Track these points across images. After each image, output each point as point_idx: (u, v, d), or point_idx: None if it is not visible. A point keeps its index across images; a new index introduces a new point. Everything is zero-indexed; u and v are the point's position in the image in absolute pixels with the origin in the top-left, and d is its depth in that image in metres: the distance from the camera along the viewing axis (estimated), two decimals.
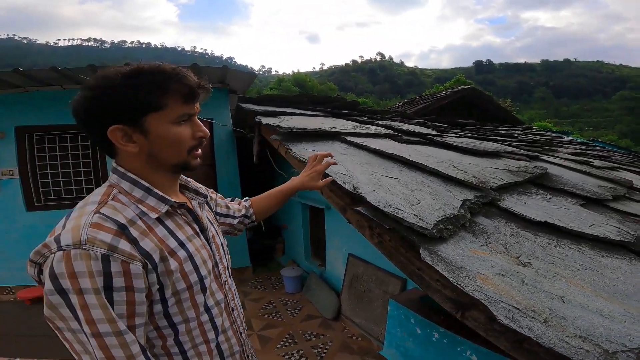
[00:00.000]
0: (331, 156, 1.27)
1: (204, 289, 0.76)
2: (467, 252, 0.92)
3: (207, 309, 0.77)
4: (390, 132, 2.24)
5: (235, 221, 1.10)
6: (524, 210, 1.23)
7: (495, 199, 1.26)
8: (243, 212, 1.13)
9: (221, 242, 0.90)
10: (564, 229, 1.15)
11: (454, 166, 1.52)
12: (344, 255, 3.51)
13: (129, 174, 0.71)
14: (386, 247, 1.13)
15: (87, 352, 0.61)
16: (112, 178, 0.73)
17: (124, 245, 0.62)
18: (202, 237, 0.80)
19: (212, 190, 1.09)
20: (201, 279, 0.75)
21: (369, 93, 70.03)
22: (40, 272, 0.63)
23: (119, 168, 0.72)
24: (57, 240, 0.61)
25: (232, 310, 0.86)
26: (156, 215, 0.71)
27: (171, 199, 0.74)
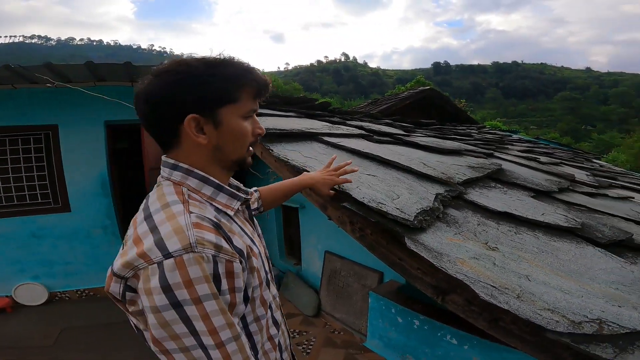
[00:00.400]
0: (349, 167, 1.20)
1: (268, 284, 0.75)
2: (444, 240, 1.04)
3: (270, 304, 0.77)
4: (363, 132, 2.37)
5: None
6: (487, 202, 1.39)
7: (462, 193, 1.41)
8: (256, 204, 1.08)
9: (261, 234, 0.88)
10: (520, 218, 1.32)
11: (424, 163, 1.67)
12: (320, 253, 3.61)
13: (197, 171, 0.67)
14: (368, 240, 1.22)
15: None
16: (175, 175, 0.67)
17: (225, 243, 0.59)
18: (257, 232, 0.80)
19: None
20: (266, 274, 0.74)
21: (334, 93, 70.90)
22: (129, 289, 0.57)
23: (181, 164, 0.67)
24: (161, 246, 0.54)
25: (280, 306, 0.87)
26: (233, 213, 0.68)
27: (242, 195, 0.71)
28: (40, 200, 3.87)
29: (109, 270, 0.59)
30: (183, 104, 0.63)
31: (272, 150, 1.70)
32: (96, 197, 4.03)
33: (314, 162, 1.52)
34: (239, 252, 0.62)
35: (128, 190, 5.09)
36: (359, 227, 1.26)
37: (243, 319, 0.67)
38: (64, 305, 3.88)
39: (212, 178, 0.68)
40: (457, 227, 1.13)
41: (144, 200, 0.67)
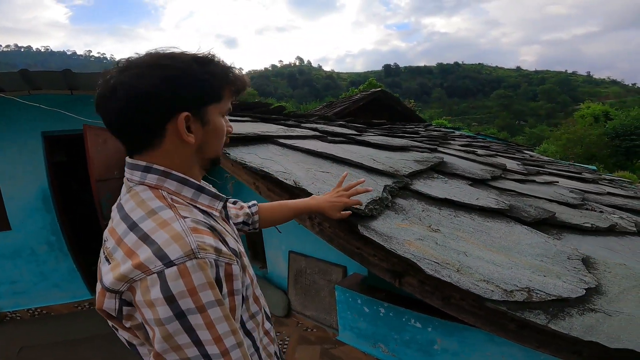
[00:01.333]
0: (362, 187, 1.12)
1: (253, 279, 0.75)
2: (393, 225, 1.15)
3: (259, 300, 0.78)
4: (317, 133, 2.47)
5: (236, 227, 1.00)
6: (430, 190, 1.54)
7: (408, 184, 1.55)
8: (242, 218, 1.03)
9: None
10: (458, 203, 1.49)
11: (374, 159, 1.80)
12: (284, 254, 3.65)
13: (175, 172, 0.63)
14: (326, 233, 1.31)
15: None
16: (149, 178, 0.62)
17: (223, 246, 0.57)
18: (235, 232, 0.78)
19: None
20: (252, 272, 0.74)
21: (289, 97, 70.92)
22: (126, 303, 0.54)
23: (156, 166, 0.62)
24: (161, 255, 0.51)
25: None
26: (217, 214, 0.66)
27: (223, 195, 0.69)
28: None
29: (99, 286, 0.56)
30: (176, 100, 0.60)
31: (229, 154, 1.72)
32: (38, 212, 3.78)
33: (270, 162, 1.58)
34: (235, 253, 0.61)
35: (74, 204, 4.77)
36: (318, 222, 1.34)
37: (239, 318, 0.67)
38: (17, 324, 3.64)
39: (191, 179, 0.65)
40: (404, 214, 1.26)
41: (116, 209, 0.63)
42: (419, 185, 1.60)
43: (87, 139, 3.43)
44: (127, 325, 0.57)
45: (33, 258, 3.78)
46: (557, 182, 2.78)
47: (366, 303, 2.26)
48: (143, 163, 0.62)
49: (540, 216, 1.54)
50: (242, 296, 0.64)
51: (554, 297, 0.84)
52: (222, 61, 0.66)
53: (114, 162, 3.85)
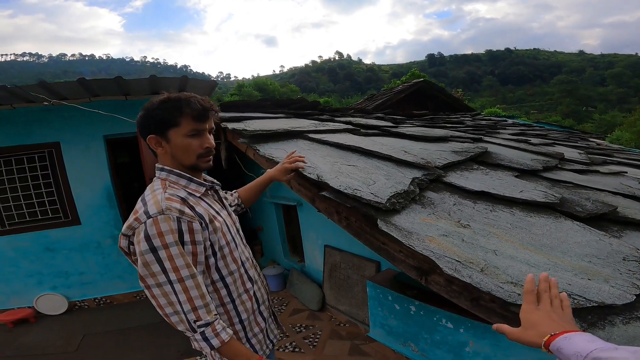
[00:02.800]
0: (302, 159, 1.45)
1: (236, 245, 1.07)
2: (416, 220, 1.09)
3: (242, 263, 1.08)
4: (349, 127, 2.42)
5: (231, 209, 1.33)
6: (465, 183, 1.43)
7: (440, 176, 1.46)
8: (236, 201, 1.42)
9: (236, 219, 1.19)
10: (497, 196, 1.36)
11: (405, 151, 1.71)
12: (320, 248, 3.66)
13: (175, 170, 1.01)
14: (353, 227, 1.28)
15: (171, 302, 0.86)
16: (161, 174, 1.01)
17: (188, 210, 0.91)
18: (226, 209, 1.13)
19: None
20: (232, 238, 1.06)
21: (331, 92, 70.88)
22: (131, 244, 0.90)
23: (165, 167, 1.02)
24: (146, 212, 0.86)
25: (256, 267, 1.19)
26: (199, 194, 1.01)
27: (206, 183, 1.05)
28: (51, 215, 4.04)
29: (120, 233, 0.92)
30: (147, 127, 0.99)
31: (258, 150, 1.76)
32: (103, 209, 4.17)
33: None
34: (200, 215, 0.94)
35: (135, 201, 5.21)
36: (345, 216, 1.31)
37: (218, 271, 1.01)
38: (83, 313, 4.07)
39: (184, 173, 1.02)
40: (432, 208, 1.18)
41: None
42: (454, 178, 1.49)
43: (141, 141, 3.71)
44: (133, 259, 0.92)
45: (99, 251, 4.18)
46: (626, 172, 2.44)
47: (397, 300, 2.18)
48: (159, 166, 1.04)
49: (598, 211, 1.36)
50: (215, 251, 0.99)
51: (594, 304, 0.73)
52: (181, 97, 0.97)
53: None
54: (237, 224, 1.18)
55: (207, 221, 0.95)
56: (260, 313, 1.15)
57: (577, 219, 1.27)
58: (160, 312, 0.88)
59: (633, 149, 5.75)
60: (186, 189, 1.00)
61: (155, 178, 1.03)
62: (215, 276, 1.00)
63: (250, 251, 1.22)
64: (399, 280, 2.29)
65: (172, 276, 0.84)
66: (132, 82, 3.25)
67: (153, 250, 0.83)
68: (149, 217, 0.85)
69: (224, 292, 1.02)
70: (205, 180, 1.13)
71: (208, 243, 0.95)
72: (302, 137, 1.99)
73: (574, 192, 1.63)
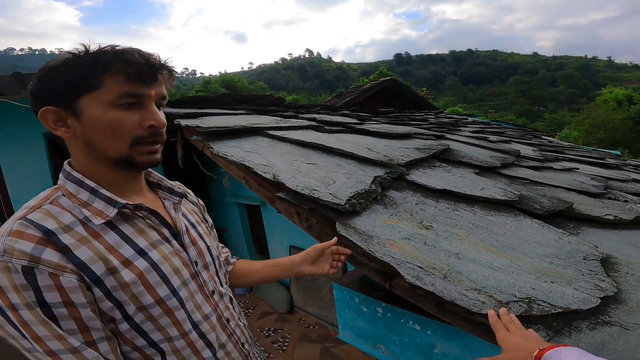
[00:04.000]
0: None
1: (182, 303, 0.68)
2: (378, 222, 1.02)
3: (195, 325, 0.70)
4: (313, 123, 2.33)
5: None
6: (427, 181, 1.39)
7: (403, 174, 1.41)
8: (223, 256, 1.00)
9: (207, 246, 0.79)
10: (459, 194, 1.33)
11: (369, 149, 1.65)
12: (285, 248, 3.56)
13: (74, 173, 0.64)
14: (314, 230, 1.19)
15: None
16: (60, 179, 0.66)
17: (49, 255, 0.55)
18: (173, 242, 0.71)
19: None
20: (174, 292, 0.66)
21: (300, 90, 70.69)
22: None
23: (66, 167, 0.66)
24: None
25: (228, 321, 0.78)
26: (101, 221, 0.62)
27: (121, 200, 0.64)
28: None
29: None
30: (40, 98, 0.62)
31: (212, 148, 1.62)
32: None
33: (254, 155, 1.47)
34: (79, 264, 0.57)
35: None
36: (305, 218, 1.22)
37: (146, 336, 0.64)
38: None
39: (87, 181, 0.64)
40: (394, 208, 1.12)
41: None
42: (416, 176, 1.45)
43: None
44: None
45: None
46: (578, 168, 2.56)
47: (364, 302, 2.13)
48: (64, 163, 0.67)
49: (555, 208, 1.37)
50: (125, 315, 0.62)
51: (559, 310, 0.70)
52: (105, 49, 0.61)
53: None
54: (209, 256, 0.79)
55: (103, 272, 0.59)
56: None
57: (536, 217, 1.27)
58: None
59: (583, 146, 6.17)
60: (84, 210, 0.62)
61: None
62: (141, 342, 0.64)
63: (227, 295, 0.83)
64: (366, 282, 2.24)
65: (38, 347, 0.54)
66: None
67: (1, 310, 0.53)
68: None
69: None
70: (158, 182, 0.78)
71: (108, 305, 0.59)
72: (261, 133, 1.88)
73: (530, 188, 1.65)
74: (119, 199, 0.64)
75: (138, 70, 0.61)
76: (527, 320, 0.69)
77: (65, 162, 0.66)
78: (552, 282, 0.81)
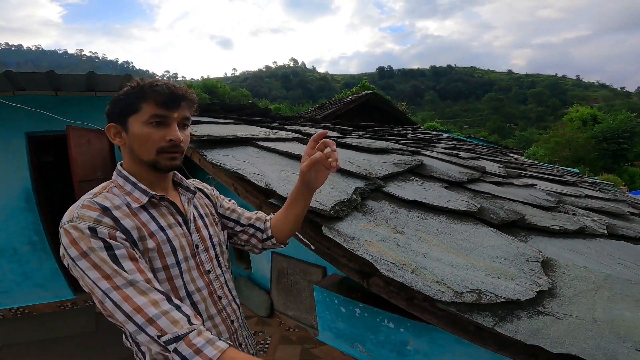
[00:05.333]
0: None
1: (181, 273, 0.86)
2: (358, 226, 1.18)
3: (189, 294, 0.87)
4: (299, 136, 2.49)
5: (239, 228, 1.09)
6: (401, 193, 1.57)
7: (380, 186, 1.58)
8: (252, 222, 1.09)
9: (209, 235, 0.97)
10: (428, 205, 1.52)
11: (350, 162, 1.82)
12: (267, 254, 3.65)
13: (123, 172, 0.88)
14: (299, 233, 1.34)
15: (125, 318, 0.70)
16: (114, 174, 0.89)
17: (107, 220, 0.77)
18: (183, 227, 0.91)
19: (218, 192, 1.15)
20: (178, 262, 0.86)
21: (283, 99, 70.80)
22: None
23: (119, 167, 0.89)
24: (61, 221, 0.77)
25: (220, 298, 0.94)
26: (138, 205, 0.84)
27: (151, 192, 0.86)
28: None
29: None
30: (109, 117, 0.87)
31: (205, 156, 1.74)
32: (21, 212, 3.77)
33: (246, 165, 1.60)
34: (124, 229, 0.79)
35: (60, 204, 4.71)
36: None
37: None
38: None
39: (131, 177, 0.87)
40: (372, 216, 1.29)
41: None
42: (392, 188, 1.63)
43: (71, 139, 3.41)
44: None
45: (15, 258, 3.75)
46: (536, 185, 2.83)
47: (343, 303, 2.29)
48: (118, 164, 0.91)
49: (509, 218, 1.57)
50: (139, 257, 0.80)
51: (503, 300, 0.86)
52: (144, 82, 0.84)
53: (98, 163, 3.82)
54: (209, 243, 0.96)
55: (137, 237, 0.80)
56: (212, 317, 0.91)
57: (492, 226, 1.47)
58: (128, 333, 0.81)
59: (545, 164, 6.64)
60: (127, 197, 0.85)
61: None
62: None
63: (223, 277, 0.97)
64: (345, 284, 2.40)
65: (105, 285, 0.71)
66: (65, 77, 2.98)
67: (76, 259, 0.72)
68: (61, 225, 0.76)
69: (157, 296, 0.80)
70: (179, 182, 0.98)
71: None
72: (251, 144, 2.01)
73: (491, 202, 1.86)
74: (150, 191, 0.87)
75: (164, 99, 0.83)
76: (477, 307, 0.85)
77: (118, 163, 0.91)
78: (498, 277, 0.99)
